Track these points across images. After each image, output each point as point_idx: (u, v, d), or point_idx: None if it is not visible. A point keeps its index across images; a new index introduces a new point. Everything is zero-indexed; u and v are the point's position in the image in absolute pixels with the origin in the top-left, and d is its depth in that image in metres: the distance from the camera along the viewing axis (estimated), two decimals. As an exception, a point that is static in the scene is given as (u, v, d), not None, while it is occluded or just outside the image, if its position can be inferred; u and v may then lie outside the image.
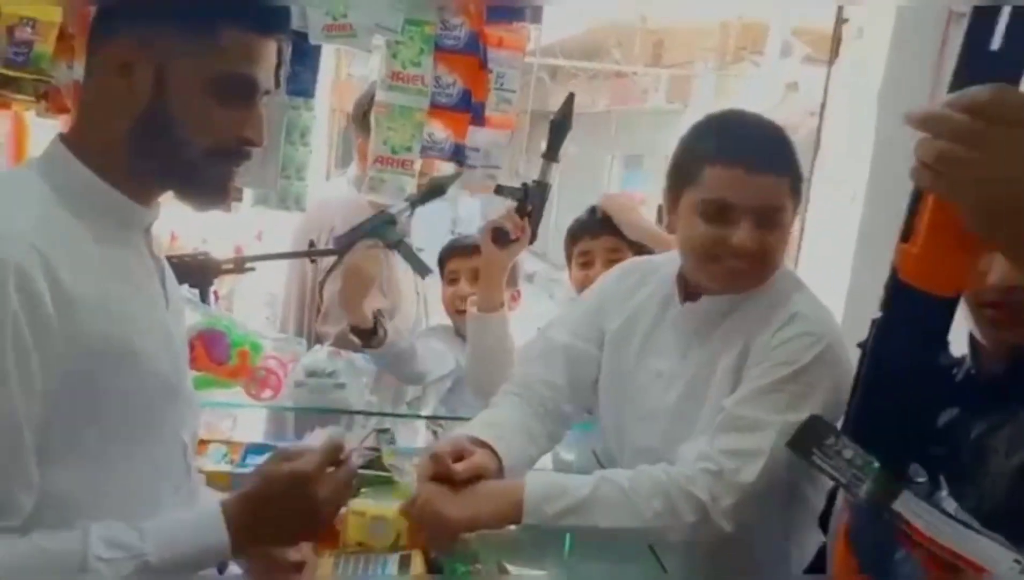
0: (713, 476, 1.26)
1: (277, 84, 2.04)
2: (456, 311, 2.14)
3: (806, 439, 0.85)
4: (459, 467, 1.29)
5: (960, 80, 0.72)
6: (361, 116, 2.27)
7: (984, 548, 0.77)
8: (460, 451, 1.32)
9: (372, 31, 2.06)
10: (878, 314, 0.84)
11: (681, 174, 1.38)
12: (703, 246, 1.35)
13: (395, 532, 1.37)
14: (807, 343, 1.30)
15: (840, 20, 2.60)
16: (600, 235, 1.99)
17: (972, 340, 1.06)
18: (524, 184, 1.86)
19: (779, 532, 1.36)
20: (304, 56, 2.09)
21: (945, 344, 0.83)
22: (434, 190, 1.97)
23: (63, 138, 1.03)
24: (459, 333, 2.15)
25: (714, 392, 1.37)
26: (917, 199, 0.77)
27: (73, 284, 0.93)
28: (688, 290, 1.44)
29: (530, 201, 1.83)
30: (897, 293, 0.80)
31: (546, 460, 1.63)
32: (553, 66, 10.60)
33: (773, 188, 1.31)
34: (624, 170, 12.33)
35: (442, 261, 2.18)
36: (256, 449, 1.66)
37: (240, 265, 2.05)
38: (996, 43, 0.72)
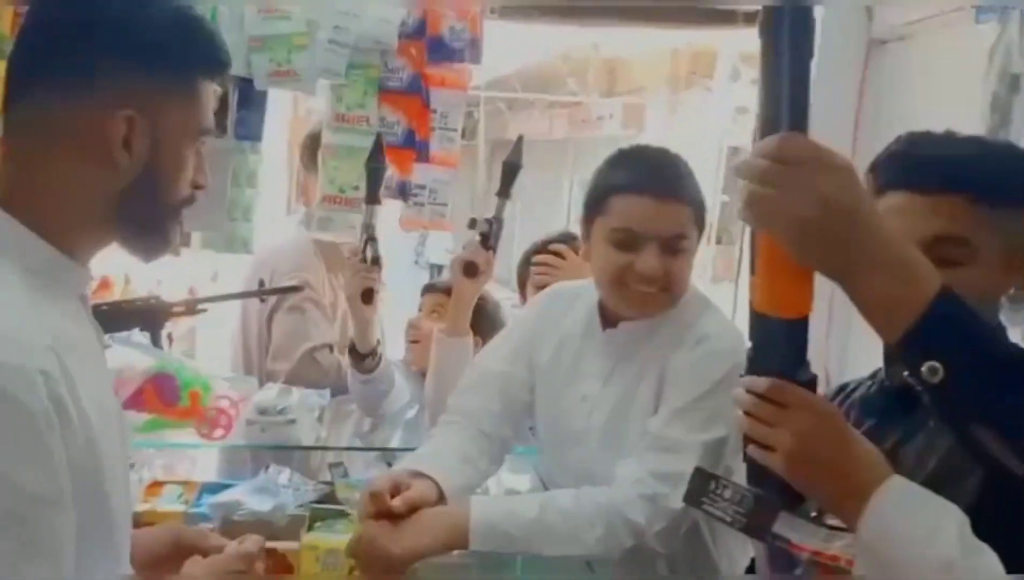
0: (648, 501, 1.32)
1: (224, 129, 2.12)
2: (413, 342, 2.18)
3: (696, 492, 0.92)
4: (397, 502, 1.32)
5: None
6: (308, 156, 2.33)
7: (842, 542, 0.86)
8: (398, 485, 1.35)
9: (317, 76, 2.13)
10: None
11: (592, 205, 1.45)
12: (612, 272, 1.41)
13: (348, 565, 1.41)
14: (716, 362, 1.38)
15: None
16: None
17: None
18: (489, 219, 1.94)
19: (705, 545, 1.43)
20: (251, 101, 2.15)
21: (804, 362, 0.88)
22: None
23: (4, 207, 0.91)
24: (416, 366, 2.19)
25: (637, 414, 1.44)
26: (753, 235, 0.85)
27: (81, 380, 0.86)
28: (607, 317, 1.50)
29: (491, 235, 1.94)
30: (755, 322, 0.87)
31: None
32: (510, 96, 10.74)
33: (677, 216, 1.39)
34: (582, 196, 12.48)
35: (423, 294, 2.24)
36: (212, 488, 1.68)
37: (191, 307, 2.08)
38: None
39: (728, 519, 0.89)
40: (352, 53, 2.15)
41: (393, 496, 1.33)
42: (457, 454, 1.49)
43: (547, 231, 2.18)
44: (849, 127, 2.36)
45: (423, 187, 2.25)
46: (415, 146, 2.27)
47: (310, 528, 1.54)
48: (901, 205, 0.99)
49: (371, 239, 1.94)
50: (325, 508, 1.61)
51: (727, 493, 0.89)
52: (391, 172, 2.26)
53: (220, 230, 2.17)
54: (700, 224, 1.45)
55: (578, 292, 1.60)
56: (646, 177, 1.40)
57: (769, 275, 0.84)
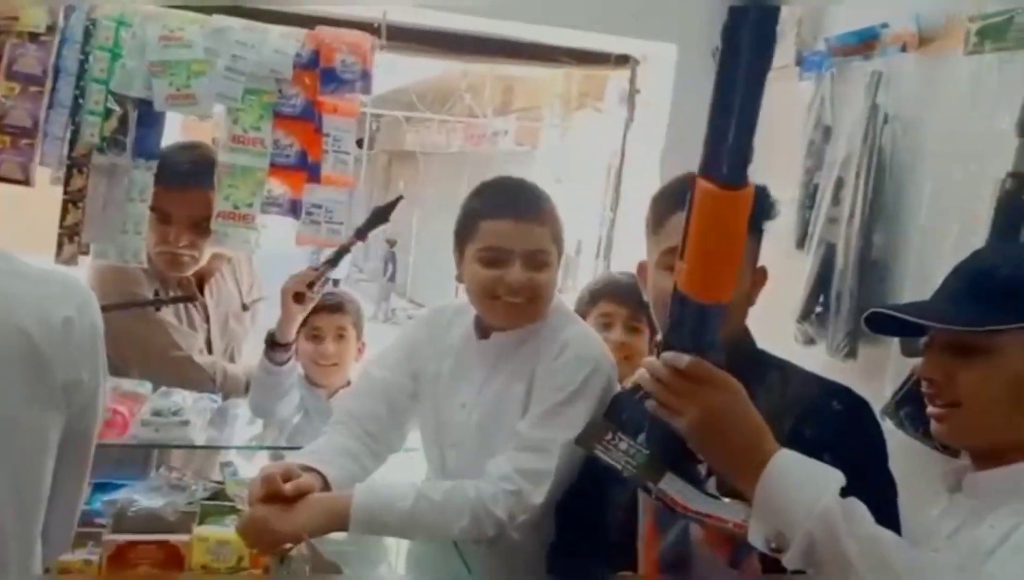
0: (512, 496, 1.47)
1: (123, 147, 2.22)
2: (316, 364, 2.27)
3: (590, 438, 1.02)
4: (288, 486, 1.45)
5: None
6: None
7: (727, 508, 0.98)
8: (288, 473, 1.48)
9: (214, 100, 2.26)
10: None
11: (463, 231, 1.63)
12: (484, 288, 1.58)
13: (237, 555, 1.53)
14: (576, 368, 1.55)
15: (633, 90, 3.00)
16: None
17: None
18: (337, 251, 2.24)
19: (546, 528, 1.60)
20: (150, 121, 2.26)
21: (716, 343, 0.99)
22: (377, 218, 2.23)
23: None
24: (311, 381, 2.31)
25: (509, 417, 1.59)
26: (687, 225, 0.94)
27: None
28: (482, 329, 1.67)
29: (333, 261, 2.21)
30: (676, 301, 0.98)
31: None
32: (408, 108, 10.87)
33: (536, 235, 1.57)
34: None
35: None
36: (104, 487, 1.75)
37: (88, 315, 2.18)
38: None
39: (619, 467, 0.99)
40: (248, 80, 2.29)
41: (284, 482, 1.44)
42: (343, 451, 1.63)
43: (446, 244, 2.39)
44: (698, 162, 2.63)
45: (319, 206, 2.38)
46: (307, 167, 2.41)
47: (201, 522, 1.64)
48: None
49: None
50: (215, 504, 1.70)
51: (622, 445, 0.99)
52: (283, 190, 2.42)
53: (114, 242, 2.26)
54: (558, 243, 1.61)
55: (460, 309, 1.77)
56: (508, 202, 1.58)
57: (697, 263, 0.93)
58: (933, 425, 1.14)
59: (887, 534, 0.97)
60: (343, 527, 1.45)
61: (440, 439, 1.71)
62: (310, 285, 2.14)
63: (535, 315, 1.62)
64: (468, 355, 1.69)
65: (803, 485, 0.95)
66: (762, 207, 1.24)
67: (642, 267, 1.46)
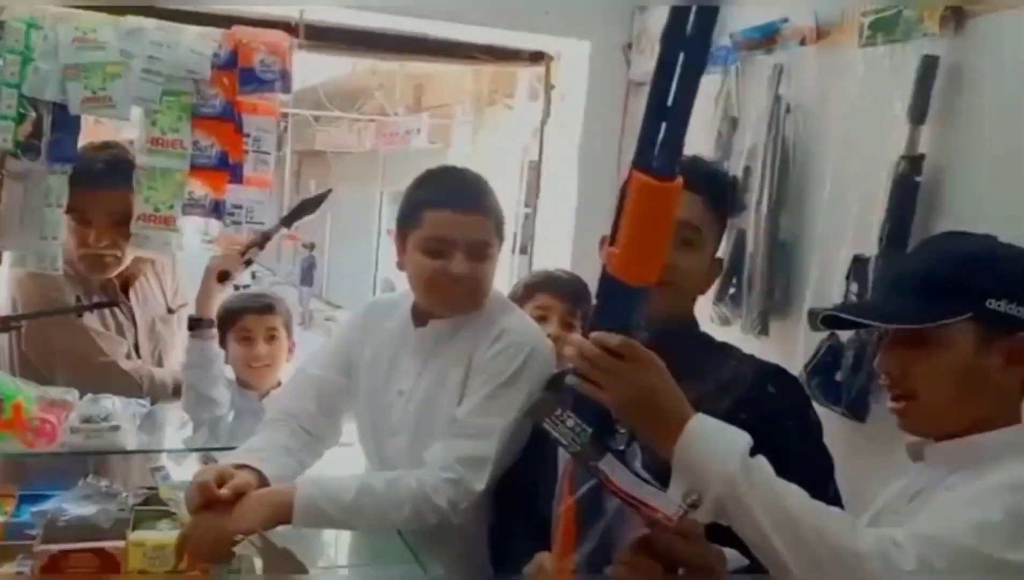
0: (453, 484, 1.48)
1: (38, 152, 2.17)
2: (248, 366, 2.26)
3: (539, 410, 1.04)
4: (224, 490, 1.43)
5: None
6: None
7: (656, 495, 1.01)
8: (223, 475, 1.48)
9: (131, 102, 2.23)
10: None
11: (405, 220, 1.63)
12: (428, 277, 1.59)
13: (173, 560, 1.50)
14: (514, 353, 1.56)
15: (548, 86, 3.08)
16: None
17: None
18: (264, 233, 2.27)
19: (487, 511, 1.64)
20: (65, 125, 2.22)
21: (639, 324, 1.03)
22: (304, 208, 2.25)
23: None
24: (242, 383, 2.29)
25: (446, 404, 1.61)
26: (619, 213, 0.98)
27: None
28: (419, 317, 1.68)
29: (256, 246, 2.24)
30: (605, 284, 1.02)
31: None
32: (317, 107, 10.73)
33: (480, 226, 1.59)
34: (393, 207, 12.58)
35: (232, 317, 2.25)
36: (31, 499, 1.73)
37: (5, 324, 2.14)
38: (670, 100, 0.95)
39: (564, 443, 1.02)
40: (166, 82, 2.27)
41: (219, 486, 1.44)
42: (278, 448, 1.64)
43: (360, 243, 2.42)
44: (614, 155, 2.74)
45: (239, 207, 2.38)
46: (228, 168, 2.40)
47: (135, 528, 1.61)
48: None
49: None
50: (149, 509, 1.68)
51: (569, 422, 1.02)
52: (205, 192, 2.40)
53: (32, 249, 2.21)
54: (500, 235, 1.64)
55: (396, 301, 1.79)
56: (453, 193, 1.59)
57: (628, 248, 0.98)
58: (896, 418, 1.19)
59: (791, 489, 1.01)
60: (287, 520, 1.44)
61: (378, 429, 1.72)
62: (241, 262, 2.16)
63: (475, 305, 1.64)
64: (405, 344, 1.70)
65: (714, 447, 1.01)
66: (729, 200, 1.36)
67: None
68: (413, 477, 1.51)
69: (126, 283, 2.33)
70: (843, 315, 1.25)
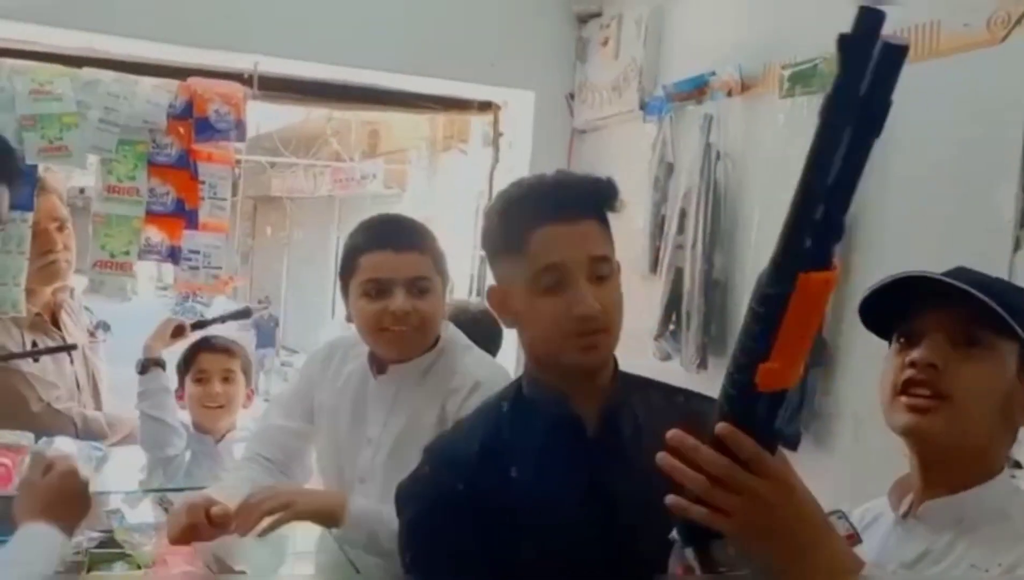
0: None
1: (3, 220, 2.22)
2: (202, 407, 2.26)
3: (677, 560, 0.86)
4: (215, 509, 1.44)
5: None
6: None
7: None
8: (210, 503, 1.48)
9: (87, 151, 2.30)
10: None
11: (345, 269, 1.63)
12: (371, 320, 1.57)
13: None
14: None
15: (497, 133, 3.21)
16: None
17: None
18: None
19: None
20: (22, 174, 2.26)
21: (775, 430, 0.86)
22: (246, 314, 2.35)
23: None
24: (198, 427, 2.29)
25: (417, 451, 1.48)
26: (775, 324, 0.79)
27: None
28: (378, 364, 1.65)
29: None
30: (751, 399, 0.81)
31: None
32: (272, 153, 10.75)
33: (415, 263, 1.58)
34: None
35: (190, 357, 2.27)
36: None
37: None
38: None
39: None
40: (122, 132, 2.34)
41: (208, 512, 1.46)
42: (253, 485, 1.61)
43: (316, 288, 2.50)
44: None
45: (196, 252, 2.44)
46: (185, 214, 2.47)
47: (89, 570, 1.62)
48: (561, 233, 1.12)
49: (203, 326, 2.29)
50: (104, 552, 1.69)
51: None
52: (161, 237, 2.46)
53: (-8, 295, 2.25)
54: (441, 272, 1.63)
55: (354, 341, 1.76)
56: (384, 235, 1.60)
57: (789, 358, 0.80)
58: (911, 418, 1.06)
59: None
60: (332, 521, 1.49)
61: (343, 474, 1.70)
62: (193, 326, 2.21)
63: (423, 343, 1.62)
64: (366, 394, 1.68)
65: None
66: (608, 197, 1.18)
67: (497, 292, 1.22)
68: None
69: (54, 315, 2.36)
70: (933, 275, 1.07)
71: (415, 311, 1.56)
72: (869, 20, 0.71)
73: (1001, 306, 1.02)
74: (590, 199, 1.16)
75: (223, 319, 2.31)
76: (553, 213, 1.13)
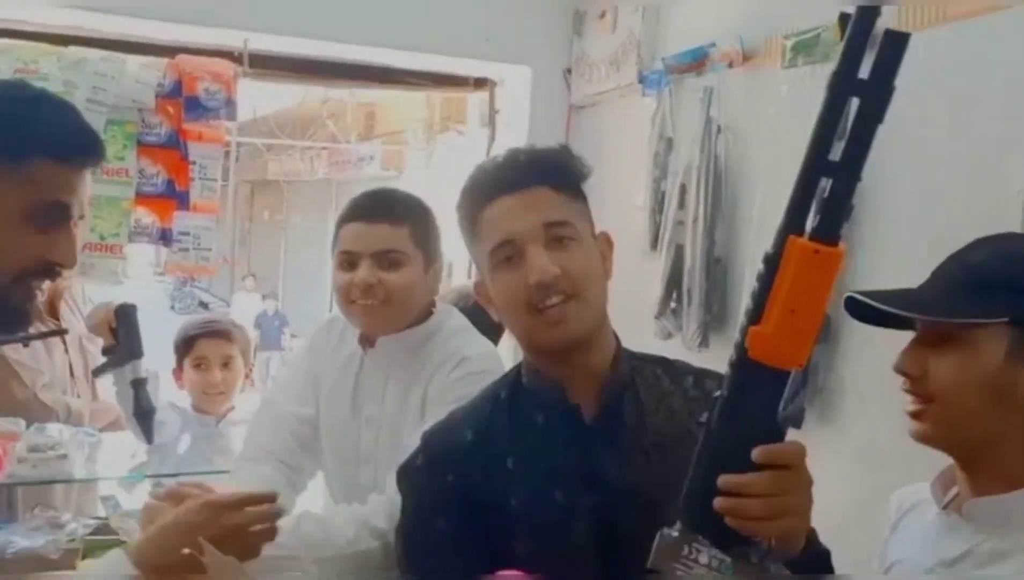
0: (390, 504, 1.36)
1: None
2: (203, 393, 2.23)
3: (665, 557, 0.85)
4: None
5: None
6: None
7: None
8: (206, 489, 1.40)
9: (74, 132, 2.25)
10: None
11: (333, 244, 1.59)
12: (341, 291, 1.54)
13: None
14: (475, 380, 1.42)
15: (493, 110, 3.16)
16: None
17: None
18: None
19: None
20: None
21: (778, 411, 0.86)
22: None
23: None
24: (197, 408, 2.26)
25: (411, 429, 1.46)
26: (767, 287, 0.82)
27: None
28: (366, 338, 1.60)
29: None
30: (747, 370, 0.83)
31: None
32: (268, 136, 10.73)
33: (386, 234, 1.52)
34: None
35: (187, 343, 2.23)
36: None
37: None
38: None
39: None
40: (111, 111, 2.29)
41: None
42: (261, 482, 1.56)
43: (314, 271, 2.36)
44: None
45: (187, 233, 2.41)
46: (175, 195, 2.43)
47: (84, 558, 1.63)
48: (507, 205, 1.08)
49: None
50: (99, 539, 1.69)
51: (703, 559, 0.85)
52: (152, 219, 2.42)
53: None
54: (423, 245, 1.55)
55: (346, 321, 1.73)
56: (360, 207, 1.56)
57: (781, 327, 0.82)
58: (911, 425, 1.06)
59: None
60: None
61: (348, 457, 1.66)
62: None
63: (397, 317, 1.56)
64: (361, 368, 1.65)
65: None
66: (558, 162, 1.14)
67: (478, 284, 1.19)
68: (355, 504, 1.48)
69: (52, 304, 2.32)
70: (864, 300, 1.08)
71: (381, 284, 1.51)
72: (868, 7, 0.77)
73: (979, 286, 1.01)
74: (535, 167, 1.11)
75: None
76: (498, 186, 1.09)
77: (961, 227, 1.65)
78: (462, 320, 1.66)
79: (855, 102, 0.78)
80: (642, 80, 2.58)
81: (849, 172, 0.80)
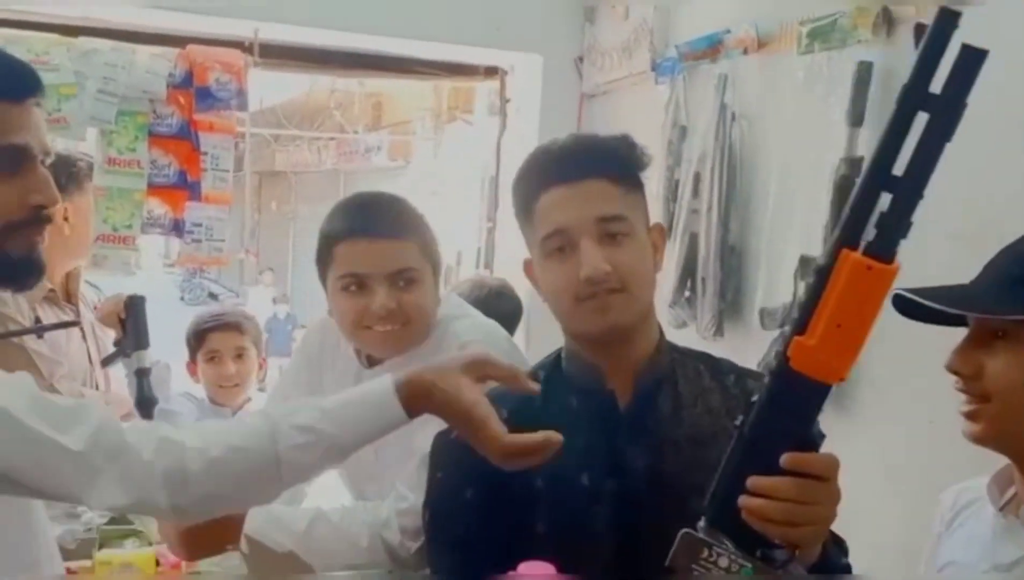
0: (402, 515, 1.34)
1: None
2: (218, 386, 2.22)
3: (685, 558, 0.84)
4: None
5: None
6: None
7: None
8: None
9: (86, 123, 2.25)
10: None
11: (321, 259, 1.42)
12: (351, 318, 1.39)
13: (142, 577, 1.50)
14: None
15: (504, 99, 3.14)
16: None
17: None
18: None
19: None
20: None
21: (815, 423, 0.86)
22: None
23: None
24: (213, 401, 2.25)
25: (419, 441, 1.38)
26: (816, 297, 0.80)
27: None
28: (367, 356, 1.48)
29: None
30: (786, 379, 0.82)
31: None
32: (276, 127, 10.73)
33: (398, 253, 1.37)
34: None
35: (200, 336, 2.21)
36: None
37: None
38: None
39: None
40: (121, 102, 2.28)
41: None
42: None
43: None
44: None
45: (199, 225, 2.40)
46: (187, 186, 2.42)
47: (101, 547, 1.62)
48: (563, 195, 1.06)
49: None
50: (114, 528, 1.68)
51: (723, 562, 0.84)
52: (164, 210, 2.42)
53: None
54: (430, 257, 1.43)
55: None
56: (361, 221, 1.39)
57: (826, 340, 0.80)
58: (966, 426, 1.03)
59: None
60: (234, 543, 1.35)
61: (352, 474, 1.60)
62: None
63: (416, 338, 1.43)
64: (364, 380, 1.50)
65: None
66: (621, 154, 1.11)
67: (526, 262, 1.19)
68: (370, 507, 1.41)
69: (68, 291, 2.32)
70: (914, 297, 1.04)
71: (400, 308, 1.38)
72: (946, 18, 0.74)
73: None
74: (595, 158, 1.09)
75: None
76: (555, 176, 1.07)
77: (982, 212, 1.64)
78: (457, 309, 1.55)
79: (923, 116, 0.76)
80: (655, 68, 2.56)
81: (911, 188, 0.77)
